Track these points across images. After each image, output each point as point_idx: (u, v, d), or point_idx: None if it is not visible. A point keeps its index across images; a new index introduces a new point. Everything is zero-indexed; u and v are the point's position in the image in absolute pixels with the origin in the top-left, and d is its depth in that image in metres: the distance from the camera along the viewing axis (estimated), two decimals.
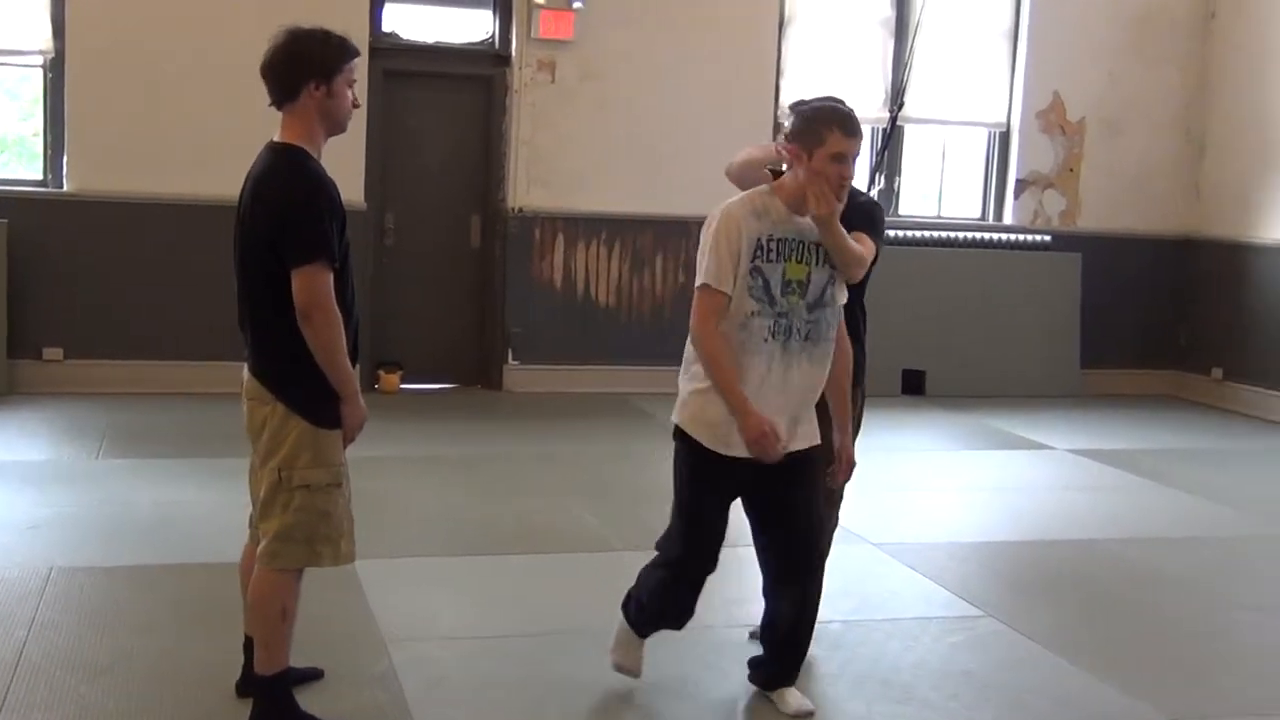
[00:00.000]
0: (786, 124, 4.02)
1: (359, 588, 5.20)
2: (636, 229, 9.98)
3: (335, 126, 3.87)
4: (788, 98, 10.18)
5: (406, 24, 9.74)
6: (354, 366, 3.87)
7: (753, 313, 3.98)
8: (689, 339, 4.09)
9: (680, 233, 9.96)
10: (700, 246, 4.02)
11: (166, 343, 9.10)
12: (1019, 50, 10.62)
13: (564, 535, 6.28)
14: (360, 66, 3.96)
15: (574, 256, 9.91)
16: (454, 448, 8.10)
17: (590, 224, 9.91)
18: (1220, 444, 9.19)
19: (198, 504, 6.43)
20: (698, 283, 3.99)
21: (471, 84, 9.91)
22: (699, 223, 10.05)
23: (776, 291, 4.00)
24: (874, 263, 4.33)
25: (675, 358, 10.35)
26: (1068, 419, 9.57)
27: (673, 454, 4.21)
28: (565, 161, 9.81)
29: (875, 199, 4.94)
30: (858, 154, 4.00)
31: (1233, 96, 10.60)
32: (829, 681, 4.62)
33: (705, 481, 4.17)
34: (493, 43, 9.86)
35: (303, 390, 3.80)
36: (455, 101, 9.94)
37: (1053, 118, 10.66)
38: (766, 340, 4.00)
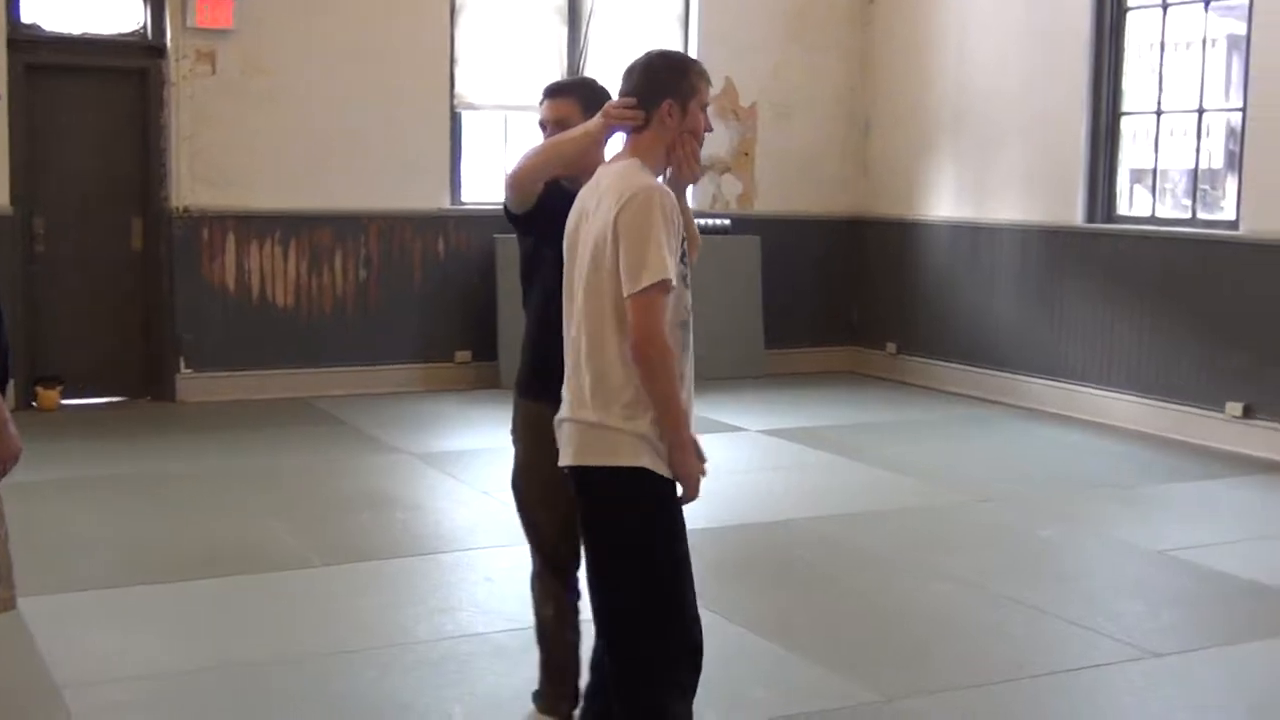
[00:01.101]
0: (631, 81, 3.30)
1: (25, 632, 4.72)
2: (313, 226, 9.57)
3: None
4: (463, 87, 10.01)
5: (49, 14, 9.03)
6: (2, 391, 3.47)
7: (688, 307, 3.30)
8: (608, 357, 3.19)
9: (358, 228, 9.63)
10: (628, 236, 3.11)
11: None
12: (690, 36, 10.72)
13: (257, 555, 5.90)
14: None
15: (247, 257, 9.42)
16: (126, 466, 7.55)
17: (263, 222, 9.44)
18: (901, 415, 9.51)
19: None
20: (644, 283, 3.08)
21: (124, 77, 9.28)
22: (378, 217, 9.86)
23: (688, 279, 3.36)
24: None
25: (360, 358, 10.07)
26: (756, 399, 9.73)
27: (611, 517, 3.28)
28: (232, 158, 9.31)
29: None
30: None
31: (893, 80, 11.00)
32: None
33: (681, 530, 3.38)
34: (145, 33, 9.25)
35: None
36: (108, 97, 9.29)
37: (726, 103, 10.80)
38: (689, 346, 3.34)
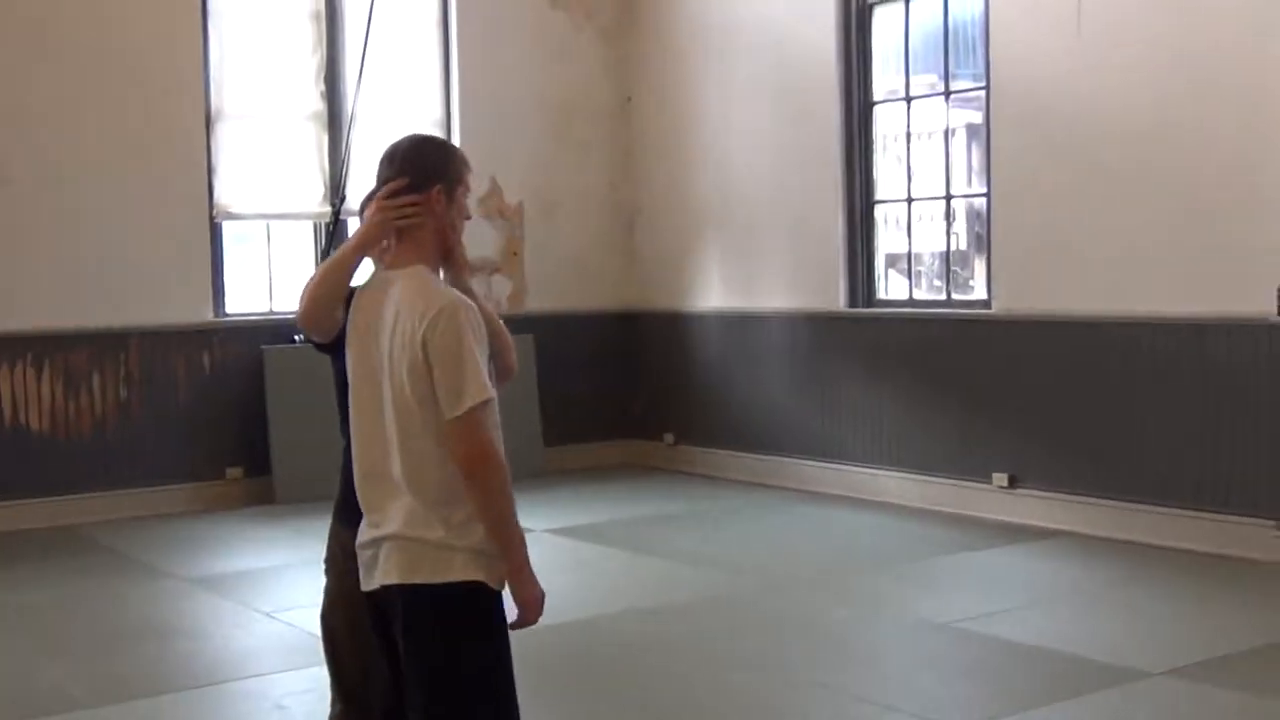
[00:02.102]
0: (395, 166, 3.19)
1: None
2: (68, 345, 9.16)
3: None
4: (223, 196, 9.78)
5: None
6: None
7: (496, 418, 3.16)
8: (430, 477, 3.07)
9: (119, 346, 9.26)
10: (442, 360, 3.00)
11: None
12: (452, 137, 10.73)
13: (20, 698, 5.52)
14: None
15: None
16: None
17: (13, 344, 8.99)
18: (684, 506, 9.59)
19: None
20: (465, 405, 2.98)
21: None
22: (138, 333, 9.50)
23: None
24: None
25: (126, 480, 9.62)
26: (539, 498, 9.65)
27: (445, 642, 3.09)
28: None
29: None
30: None
31: (656, 175, 11.22)
32: None
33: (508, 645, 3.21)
34: None
35: None
36: None
37: (492, 203, 10.83)
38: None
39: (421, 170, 3.19)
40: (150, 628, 6.60)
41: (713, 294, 10.71)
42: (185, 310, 9.55)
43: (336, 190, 10.17)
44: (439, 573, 3.08)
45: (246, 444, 9.65)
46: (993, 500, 8.61)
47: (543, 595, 3.17)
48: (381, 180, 3.21)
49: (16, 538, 8.64)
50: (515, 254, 10.98)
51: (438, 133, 10.61)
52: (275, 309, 10.04)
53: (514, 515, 3.09)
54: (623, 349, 11.37)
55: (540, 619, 3.18)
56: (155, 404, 9.40)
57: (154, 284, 9.41)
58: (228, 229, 9.98)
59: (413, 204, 3.16)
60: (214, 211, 9.79)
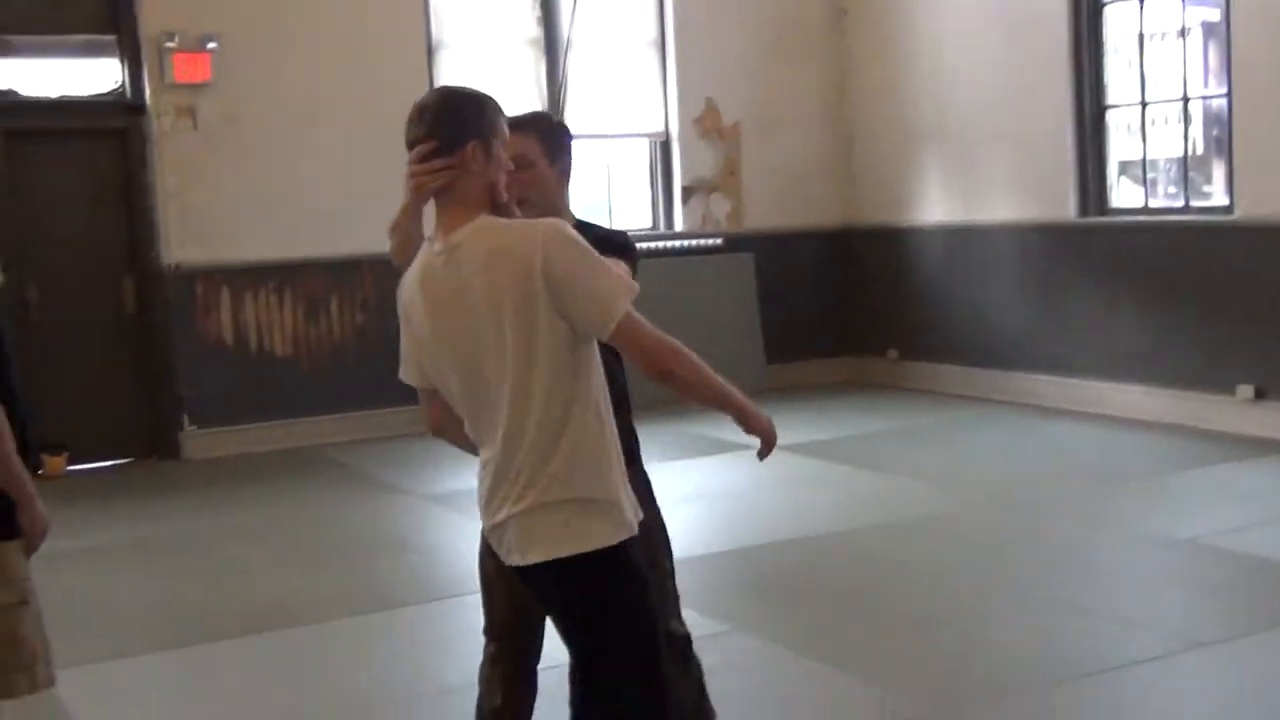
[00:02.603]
0: (425, 125, 2.95)
1: (61, 708, 4.62)
2: (307, 274, 9.51)
3: None
4: None
5: (25, 80, 8.98)
6: (27, 464, 3.41)
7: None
8: (580, 420, 2.88)
9: (354, 272, 9.57)
10: (578, 264, 2.81)
11: None
12: (668, 60, 10.71)
13: (282, 609, 5.82)
14: None
15: (242, 309, 9.36)
16: (140, 529, 7.47)
17: (256, 274, 9.38)
18: (909, 421, 9.47)
19: None
20: (624, 307, 2.83)
21: (106, 138, 9.23)
22: (373, 260, 9.78)
23: None
24: None
25: (362, 402, 9.97)
26: None
27: (597, 595, 2.94)
28: (220, 211, 9.25)
29: (619, 230, 3.78)
30: None
31: (873, 89, 11.00)
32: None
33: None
34: (123, 92, 9.20)
35: None
36: (90, 158, 9.24)
37: (708, 124, 10.79)
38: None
39: (452, 129, 2.92)
40: (390, 542, 6.86)
41: (934, 207, 10.49)
42: None
43: (554, 112, 10.27)
44: (595, 537, 2.91)
45: None
46: (1236, 414, 8.26)
47: (771, 423, 3.11)
48: (410, 141, 2.97)
49: (265, 458, 9.06)
50: (733, 173, 10.93)
51: (653, 55, 10.62)
52: None
53: (718, 380, 2.97)
54: (842, 265, 11.25)
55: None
56: (390, 328, 9.67)
57: (381, 211, 9.65)
58: None
59: (445, 168, 2.91)
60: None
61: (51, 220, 9.01)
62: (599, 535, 2.89)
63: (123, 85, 9.21)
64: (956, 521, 6.77)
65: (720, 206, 10.91)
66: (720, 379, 2.98)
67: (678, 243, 10.68)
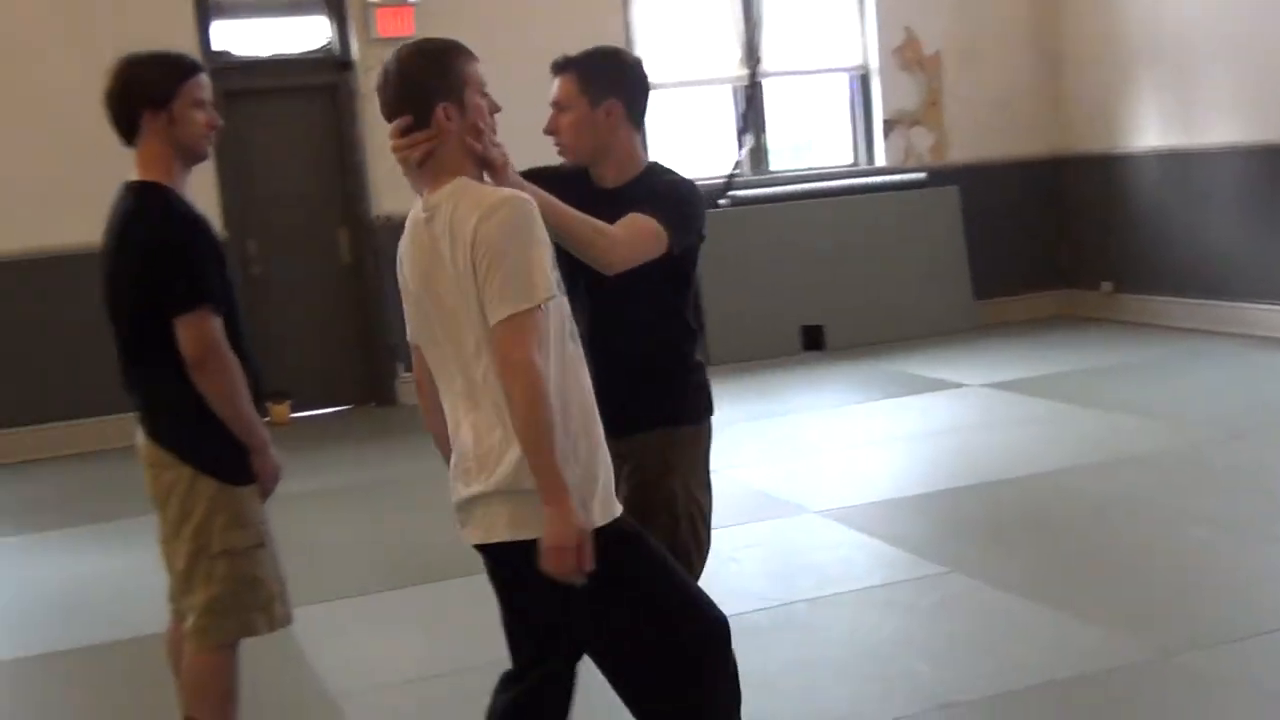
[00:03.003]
0: (389, 94, 2.88)
1: (295, 644, 4.83)
2: None
3: (190, 154, 3.50)
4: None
5: (238, 40, 9.28)
6: (260, 412, 3.56)
7: (570, 313, 2.93)
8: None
9: None
10: (500, 246, 2.70)
11: (40, 404, 8.57)
12: None
13: (432, 563, 5.87)
14: (206, 83, 3.57)
15: None
16: (362, 472, 7.72)
17: None
18: (1127, 356, 9.16)
19: (107, 574, 5.99)
20: (512, 309, 2.69)
21: (317, 94, 9.49)
22: None
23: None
24: (673, 257, 3.25)
25: None
26: (972, 353, 9.49)
27: (602, 576, 2.77)
28: None
29: (684, 178, 3.45)
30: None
31: (1081, 9, 10.59)
32: (809, 666, 4.40)
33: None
34: (332, 48, 9.44)
35: (206, 447, 3.46)
36: (303, 114, 9.51)
37: (909, 54, 10.55)
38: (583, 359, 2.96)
39: (416, 95, 2.84)
40: None
41: (1148, 133, 10.07)
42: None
43: (752, 53, 10.18)
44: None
45: None
46: None
47: (575, 543, 2.70)
48: (381, 105, 2.90)
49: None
50: (934, 104, 10.68)
51: None
52: (700, 175, 10.19)
53: (550, 440, 2.68)
54: (1051, 196, 10.90)
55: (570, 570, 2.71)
56: None
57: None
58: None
59: (425, 139, 2.82)
60: None
61: (267, 176, 9.32)
62: (532, 525, 2.75)
63: (331, 42, 9.44)
64: (1180, 458, 6.54)
65: (923, 140, 10.67)
66: (555, 443, 2.68)
67: (879, 179, 10.49)
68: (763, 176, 10.38)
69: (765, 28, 10.20)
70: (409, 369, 9.70)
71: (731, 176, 10.12)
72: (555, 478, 2.69)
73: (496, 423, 2.78)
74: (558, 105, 3.35)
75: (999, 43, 10.78)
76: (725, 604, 4.92)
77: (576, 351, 2.89)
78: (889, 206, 10.31)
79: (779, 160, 10.63)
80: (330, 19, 9.41)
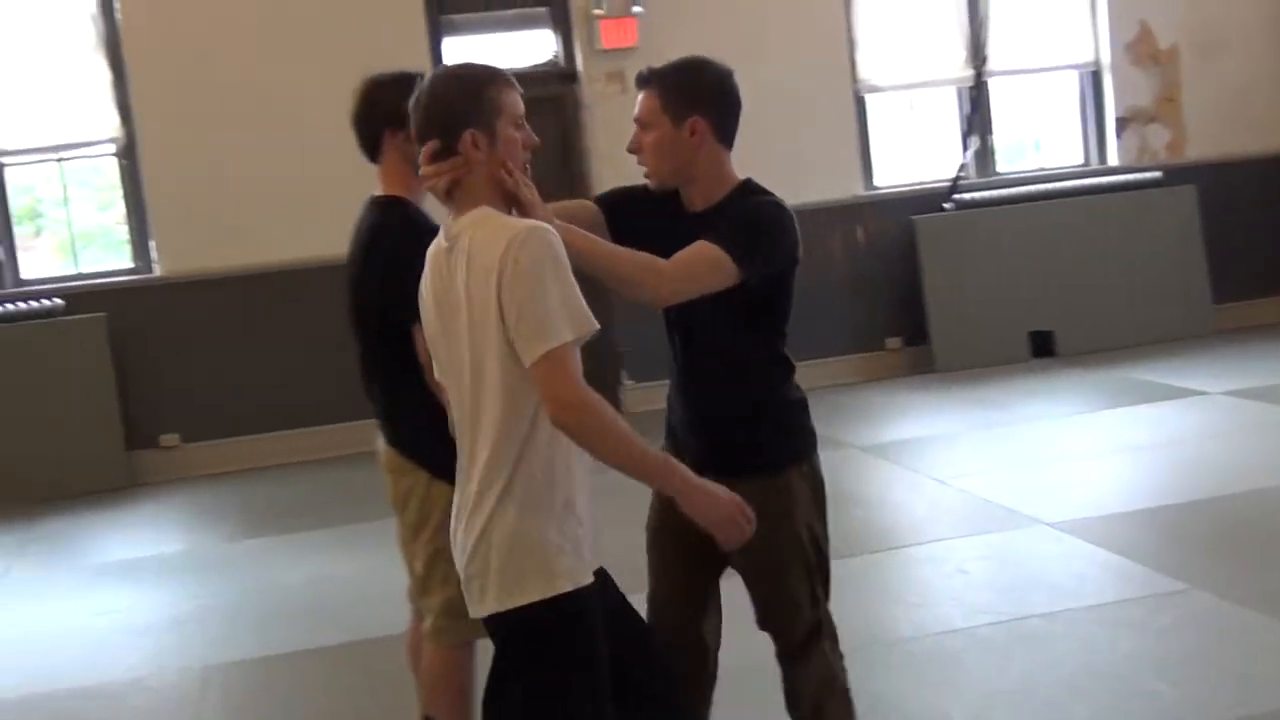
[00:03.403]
0: (418, 118, 2.75)
1: None
2: None
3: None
4: (865, 73, 9.88)
5: (468, 55, 9.51)
6: None
7: None
8: (476, 447, 2.71)
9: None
10: (533, 279, 2.57)
11: (284, 412, 8.95)
12: None
13: None
14: None
15: None
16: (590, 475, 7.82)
17: None
18: None
19: (349, 576, 6.22)
20: (554, 343, 2.57)
21: (542, 106, 9.63)
22: (811, 210, 9.84)
23: None
24: (750, 287, 3.03)
25: (803, 349, 10.05)
26: (1211, 359, 9.12)
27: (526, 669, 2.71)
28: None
29: (770, 200, 3.21)
30: None
31: None
32: (1044, 684, 4.29)
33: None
34: (557, 61, 9.63)
35: (442, 452, 3.57)
36: (530, 126, 9.71)
37: (1143, 49, 10.19)
38: None
39: (445, 122, 2.71)
40: (827, 494, 6.87)
41: None
42: (835, 186, 9.79)
43: (978, 53, 10.00)
44: (530, 589, 2.67)
45: (903, 314, 9.80)
46: None
47: (734, 513, 2.70)
48: (412, 127, 2.79)
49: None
50: (1171, 100, 10.30)
51: None
52: (924, 179, 10.08)
53: (639, 450, 2.62)
54: None
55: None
56: (812, 279, 9.68)
57: (804, 163, 9.70)
58: (870, 101, 10.08)
59: (451, 168, 2.72)
60: (857, 86, 9.92)
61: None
62: (531, 587, 2.65)
63: (556, 55, 9.63)
64: None
65: (1158, 137, 10.30)
66: (644, 448, 2.64)
67: (1112, 178, 10.17)
68: (989, 179, 10.18)
69: (991, 25, 10.01)
70: (633, 376, 9.87)
71: (957, 179, 9.96)
72: (669, 473, 2.69)
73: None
74: (640, 123, 3.14)
75: (1239, 33, 10.34)
76: (954, 617, 4.91)
77: None
78: (1122, 207, 9.98)
79: (1006, 162, 10.42)
80: (555, 32, 9.60)
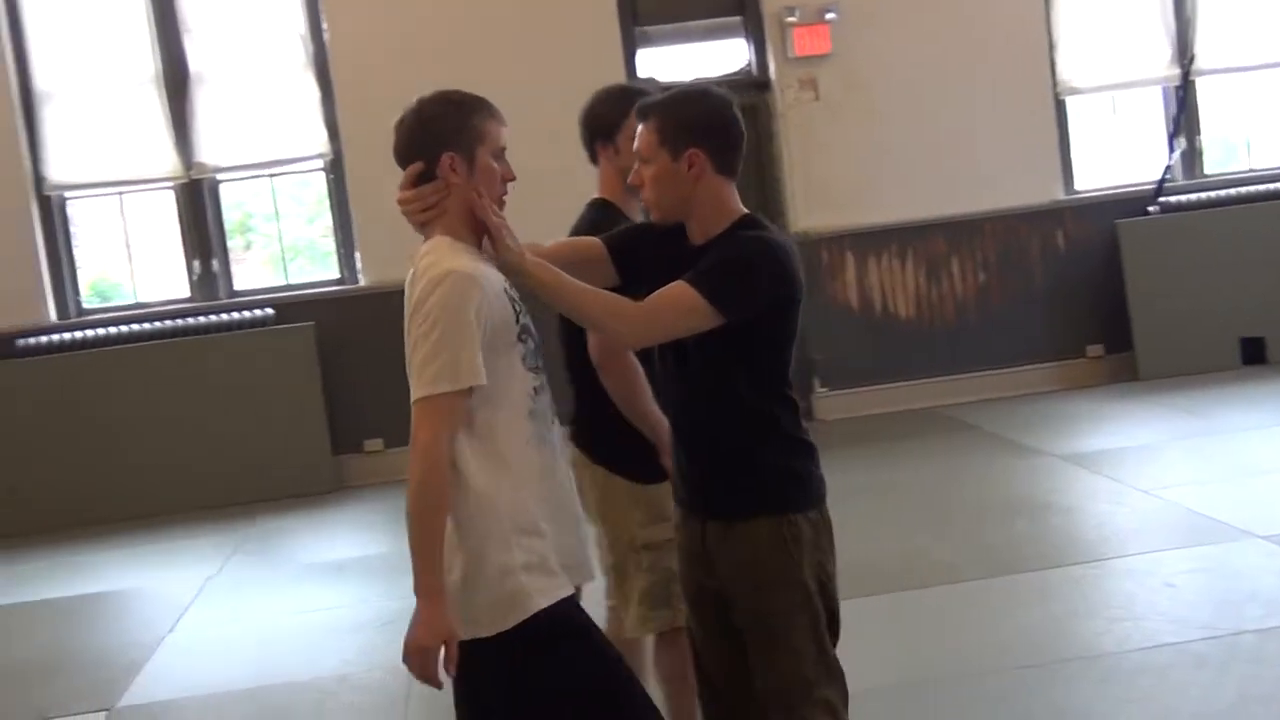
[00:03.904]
0: (400, 141, 2.81)
1: None
2: (927, 235, 9.56)
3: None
4: (1065, 74, 9.66)
5: (661, 67, 9.62)
6: None
7: (535, 390, 2.81)
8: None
9: (973, 231, 9.53)
10: (423, 323, 2.67)
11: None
12: None
13: (910, 569, 5.90)
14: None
15: (866, 272, 9.57)
16: None
17: (878, 237, 9.54)
18: None
19: None
20: (420, 390, 2.68)
21: None
22: (991, 217, 9.66)
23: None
24: (735, 327, 2.88)
25: (987, 361, 9.81)
26: None
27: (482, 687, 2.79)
28: (842, 177, 9.48)
29: (758, 235, 2.98)
30: None
31: None
32: (1263, 702, 4.13)
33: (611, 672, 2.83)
34: (750, 69, 9.65)
35: (618, 448, 3.65)
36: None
37: None
38: (551, 425, 2.87)
39: (427, 140, 2.76)
40: (1025, 503, 6.76)
41: None
42: (1035, 190, 9.59)
43: (1185, 51, 9.69)
44: (487, 620, 2.71)
45: (1106, 320, 9.54)
46: None
47: (433, 648, 2.66)
48: (394, 149, 2.83)
49: (893, 419, 9.22)
50: None
51: None
52: (1128, 182, 9.80)
53: (432, 535, 2.63)
54: None
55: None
56: (1012, 286, 9.58)
57: (1002, 168, 9.53)
58: (1071, 104, 9.85)
59: (433, 192, 2.78)
60: (1057, 88, 9.70)
61: None
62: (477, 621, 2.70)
63: (749, 64, 9.65)
64: None
65: None
66: (438, 539, 2.63)
67: None
68: (1197, 181, 9.85)
69: (1199, 22, 9.69)
70: (825, 384, 9.80)
71: (1163, 182, 9.65)
72: (430, 571, 2.62)
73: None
74: (640, 157, 3.00)
75: None
76: (1161, 632, 4.76)
77: (540, 432, 2.78)
78: None
79: (1215, 163, 10.06)
80: (748, 41, 9.62)
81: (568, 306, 2.88)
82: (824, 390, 9.52)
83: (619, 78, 8.88)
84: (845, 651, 4.99)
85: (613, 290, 2.96)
